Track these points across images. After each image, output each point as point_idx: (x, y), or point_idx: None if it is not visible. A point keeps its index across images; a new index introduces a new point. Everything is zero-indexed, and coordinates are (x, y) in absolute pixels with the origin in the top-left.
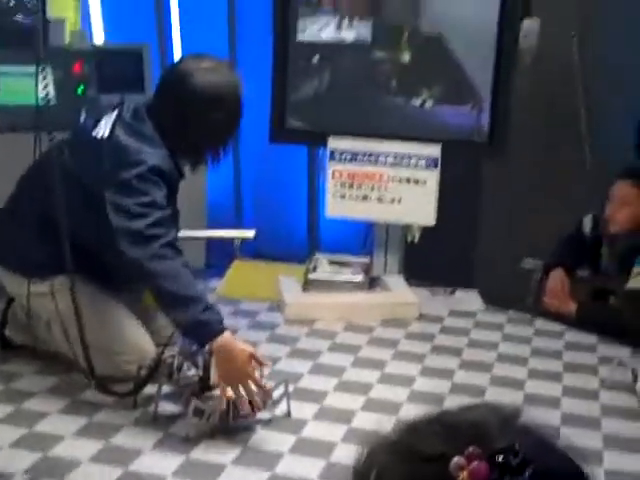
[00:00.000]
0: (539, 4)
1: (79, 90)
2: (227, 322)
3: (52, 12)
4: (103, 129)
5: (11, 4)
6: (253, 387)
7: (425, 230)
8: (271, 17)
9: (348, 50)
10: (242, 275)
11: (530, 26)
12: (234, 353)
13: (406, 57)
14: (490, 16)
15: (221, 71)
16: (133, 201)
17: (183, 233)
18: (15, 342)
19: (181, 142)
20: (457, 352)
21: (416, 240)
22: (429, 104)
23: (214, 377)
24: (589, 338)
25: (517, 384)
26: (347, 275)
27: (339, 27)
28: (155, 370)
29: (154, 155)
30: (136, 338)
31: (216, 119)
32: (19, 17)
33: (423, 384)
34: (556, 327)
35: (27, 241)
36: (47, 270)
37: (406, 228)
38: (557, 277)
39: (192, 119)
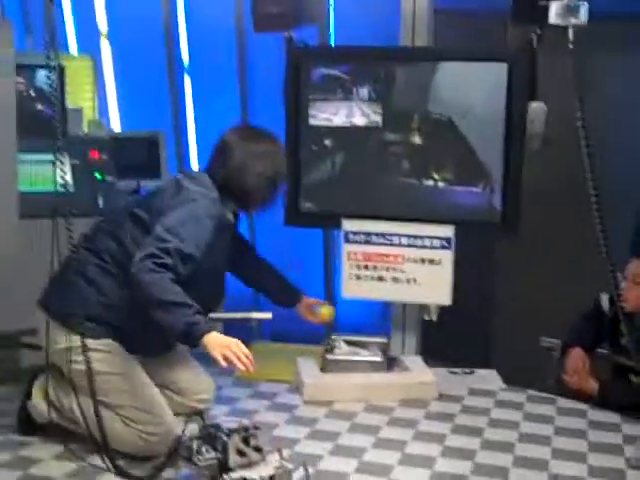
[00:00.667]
0: (546, 88)
1: (97, 176)
2: (247, 404)
3: (70, 102)
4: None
5: (32, 94)
6: (244, 349)
7: (442, 310)
8: (283, 103)
9: (360, 133)
10: (260, 357)
11: (536, 110)
12: (224, 338)
13: (417, 139)
14: (497, 100)
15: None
16: (168, 225)
17: None
18: (36, 420)
19: (231, 190)
20: (478, 432)
21: (434, 319)
22: (441, 185)
23: (233, 458)
24: (612, 417)
25: (541, 464)
26: (365, 355)
27: (350, 112)
28: (175, 452)
29: (207, 196)
30: (163, 412)
31: (260, 174)
32: (39, 106)
33: (444, 465)
34: (578, 406)
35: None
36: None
37: (423, 308)
38: (577, 356)
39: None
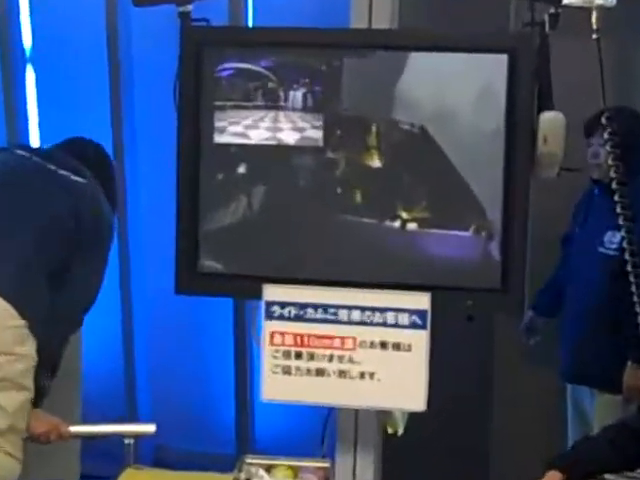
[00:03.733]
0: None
1: None
2: None
3: None
4: None
5: None
6: None
7: (413, 418)
8: (176, 111)
9: (289, 155)
10: None
11: (552, 122)
12: None
13: (375, 161)
14: (493, 107)
15: None
16: None
17: None
18: None
19: None
20: None
21: (399, 432)
22: (411, 227)
23: None
24: None
25: None
26: None
27: (275, 124)
28: None
29: None
30: None
31: None
32: None
33: None
34: None
35: None
36: None
37: (384, 416)
38: None
39: None
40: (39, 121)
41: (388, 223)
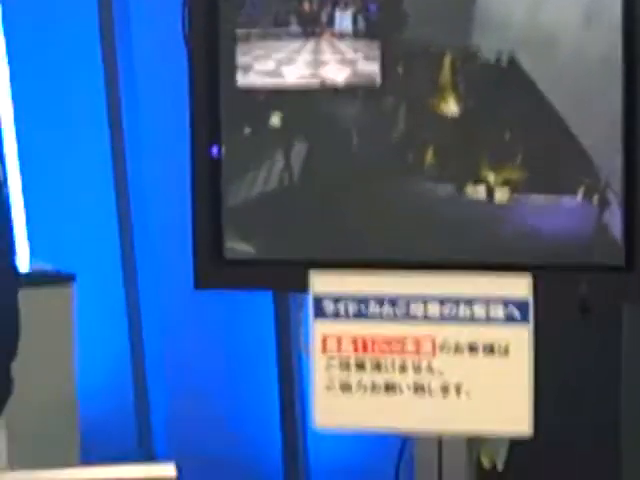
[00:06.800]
0: None
1: None
2: None
3: None
4: None
5: None
6: None
7: (516, 447)
8: (186, 46)
9: (338, 101)
10: None
11: None
12: None
13: (452, 106)
14: (608, 22)
15: None
16: None
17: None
18: None
19: None
20: None
21: (499, 467)
22: (502, 195)
23: None
24: None
25: None
26: None
27: (316, 57)
28: None
29: None
30: None
31: None
32: None
33: None
34: None
35: None
36: None
37: (477, 444)
38: None
39: None
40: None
41: (470, 190)
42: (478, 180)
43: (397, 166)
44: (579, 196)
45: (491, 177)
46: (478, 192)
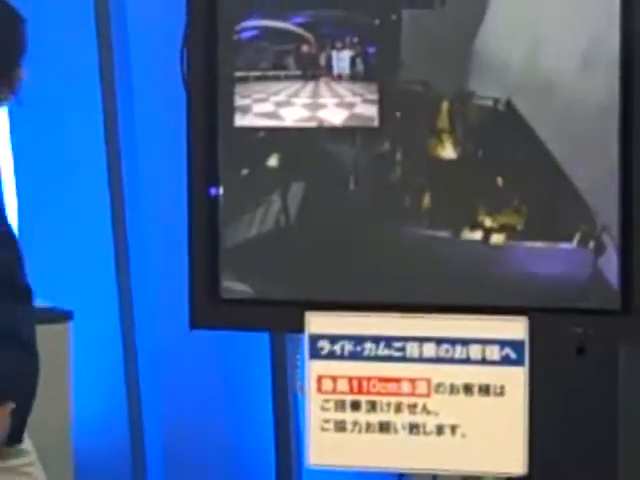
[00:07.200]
0: None
1: None
2: None
3: None
4: None
5: None
6: None
7: None
8: (184, 85)
9: (335, 142)
10: None
11: None
12: None
13: (449, 150)
14: (606, 66)
15: None
16: None
17: None
18: None
19: None
20: None
21: None
22: (497, 239)
23: None
24: None
25: None
26: None
27: (315, 100)
28: None
29: None
30: None
31: None
32: None
33: None
34: None
35: None
36: None
37: None
38: None
39: None
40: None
41: (466, 234)
42: (475, 225)
43: (394, 209)
44: (575, 241)
45: (487, 222)
46: (475, 235)
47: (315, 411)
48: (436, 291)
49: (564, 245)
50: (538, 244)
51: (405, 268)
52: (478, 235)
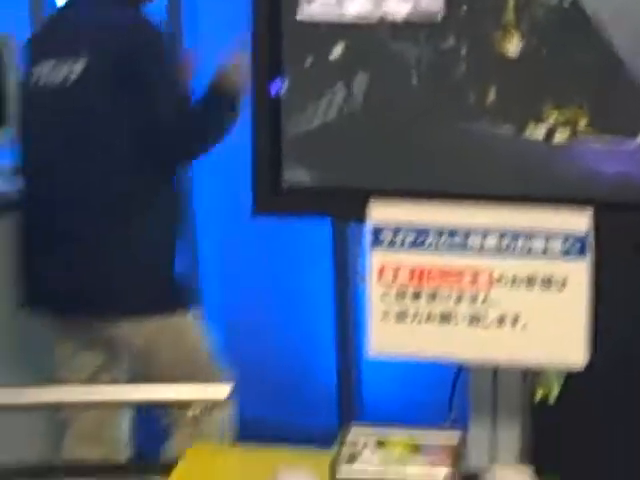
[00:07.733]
0: None
1: None
2: None
3: None
4: None
5: None
6: None
7: (571, 379)
8: None
9: (400, 35)
10: (204, 472)
11: None
12: None
13: (514, 45)
14: None
15: None
16: None
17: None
18: None
19: None
20: None
21: (551, 399)
22: (562, 136)
23: None
24: None
25: None
26: (417, 468)
27: None
28: None
29: None
30: None
31: None
32: None
33: None
34: None
35: None
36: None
37: (533, 376)
38: None
39: None
40: None
41: (529, 131)
42: (536, 121)
43: (455, 104)
44: (639, 139)
45: (551, 117)
46: (538, 132)
47: (376, 301)
48: (501, 183)
49: (628, 141)
50: (602, 140)
51: (467, 161)
52: (542, 132)
